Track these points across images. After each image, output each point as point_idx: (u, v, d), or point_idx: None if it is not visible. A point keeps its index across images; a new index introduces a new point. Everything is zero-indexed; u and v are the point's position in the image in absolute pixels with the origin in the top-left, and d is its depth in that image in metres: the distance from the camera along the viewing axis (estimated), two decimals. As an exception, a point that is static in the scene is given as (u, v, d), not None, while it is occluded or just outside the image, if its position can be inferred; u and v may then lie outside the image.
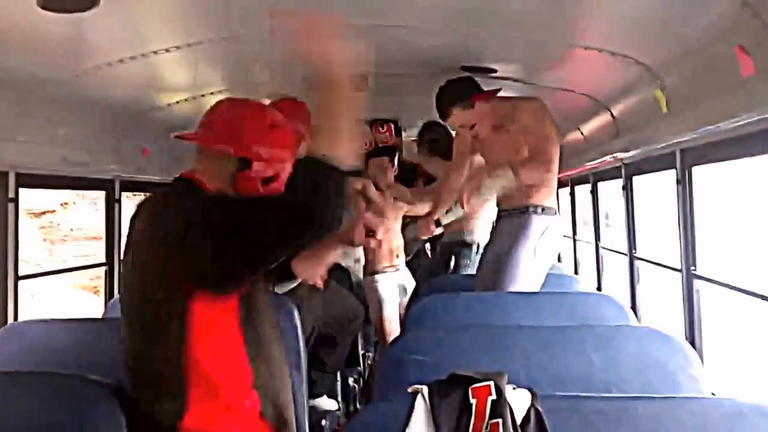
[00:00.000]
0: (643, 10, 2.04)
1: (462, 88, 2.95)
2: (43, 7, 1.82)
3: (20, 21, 1.95)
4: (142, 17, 2.15)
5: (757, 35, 1.75)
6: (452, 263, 4.00)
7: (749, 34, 1.77)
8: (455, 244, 3.99)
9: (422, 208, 3.72)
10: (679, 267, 2.83)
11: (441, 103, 2.99)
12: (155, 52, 2.45)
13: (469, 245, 3.93)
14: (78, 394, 1.50)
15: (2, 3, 1.82)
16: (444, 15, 2.34)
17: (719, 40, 1.93)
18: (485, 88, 3.02)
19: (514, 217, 2.97)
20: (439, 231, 3.29)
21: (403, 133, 5.12)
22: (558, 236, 3.04)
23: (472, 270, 3.74)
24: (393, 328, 3.95)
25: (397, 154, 4.25)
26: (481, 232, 3.91)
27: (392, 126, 4.93)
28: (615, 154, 3.31)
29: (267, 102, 2.37)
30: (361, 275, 4.23)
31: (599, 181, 4.20)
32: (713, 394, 1.98)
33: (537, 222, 2.91)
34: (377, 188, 3.96)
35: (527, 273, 2.84)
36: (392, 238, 4.08)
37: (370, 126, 4.87)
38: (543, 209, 2.93)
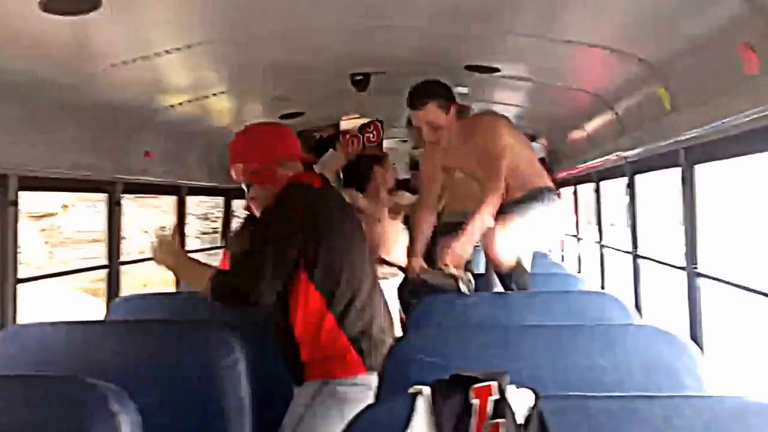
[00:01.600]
0: (646, 8, 2.03)
1: (445, 89, 2.88)
2: (45, 10, 1.81)
3: (22, 23, 1.94)
4: (143, 19, 2.14)
5: (762, 32, 1.74)
6: None
7: (754, 30, 1.76)
8: (459, 225, 3.87)
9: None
10: (680, 265, 2.82)
11: (419, 92, 2.89)
12: (157, 54, 2.45)
13: None
14: (78, 398, 1.50)
15: (4, 5, 1.82)
16: (447, 14, 2.33)
17: (723, 37, 1.92)
18: (487, 89, 3.00)
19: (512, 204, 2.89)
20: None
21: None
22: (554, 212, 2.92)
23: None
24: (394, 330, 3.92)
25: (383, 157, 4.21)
26: None
27: (379, 125, 4.86)
28: (619, 153, 3.30)
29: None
30: None
31: (603, 179, 4.19)
32: (717, 392, 1.97)
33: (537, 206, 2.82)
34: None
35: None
36: (392, 239, 4.05)
37: (359, 130, 4.84)
38: (545, 190, 2.86)
